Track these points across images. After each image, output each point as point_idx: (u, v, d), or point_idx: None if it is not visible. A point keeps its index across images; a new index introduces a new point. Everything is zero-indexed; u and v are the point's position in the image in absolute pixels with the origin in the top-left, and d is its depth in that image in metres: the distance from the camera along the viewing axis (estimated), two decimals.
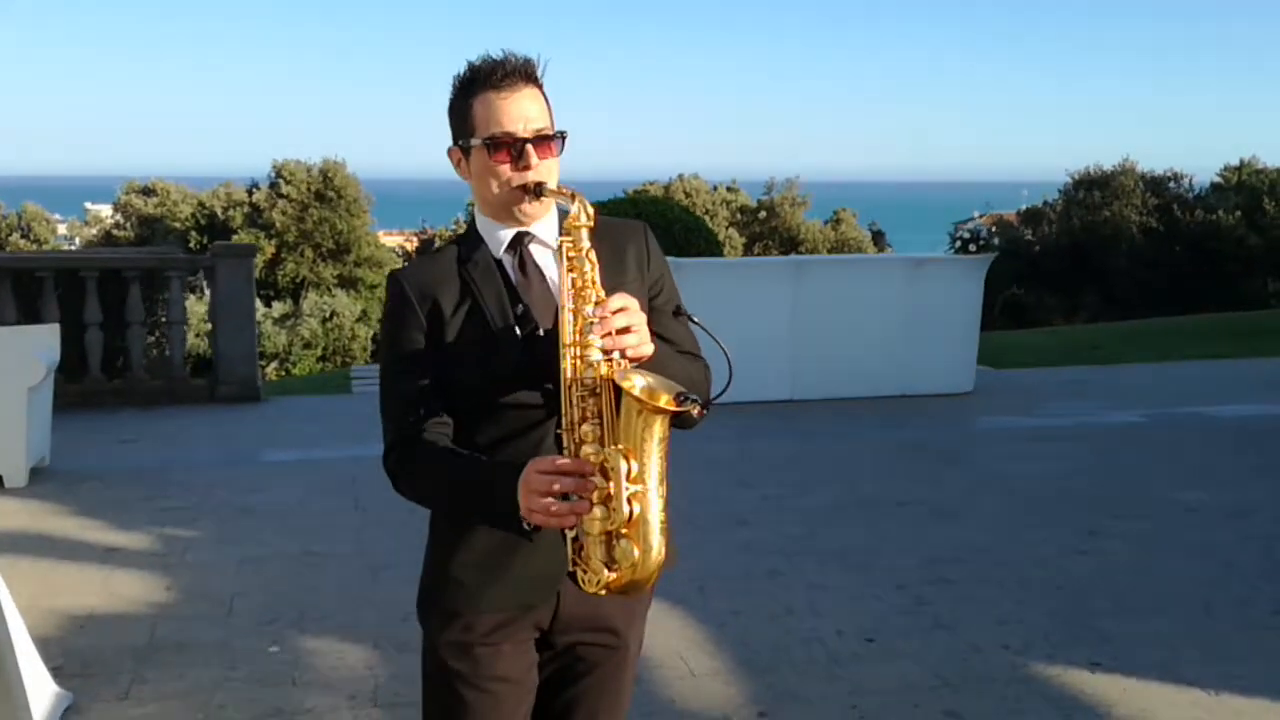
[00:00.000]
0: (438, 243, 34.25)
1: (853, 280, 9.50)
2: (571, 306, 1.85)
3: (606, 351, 1.81)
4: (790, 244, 32.77)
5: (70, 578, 5.07)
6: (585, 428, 1.82)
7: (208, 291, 12.31)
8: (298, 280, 28.64)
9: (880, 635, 4.45)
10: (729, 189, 34.97)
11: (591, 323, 1.81)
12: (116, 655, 4.23)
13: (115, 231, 32.34)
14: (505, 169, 1.94)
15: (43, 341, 6.99)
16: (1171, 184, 28.69)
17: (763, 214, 34.15)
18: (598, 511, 1.78)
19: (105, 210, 37.17)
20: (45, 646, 3.98)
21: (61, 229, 38.19)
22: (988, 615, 4.65)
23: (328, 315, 25.23)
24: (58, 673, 3.91)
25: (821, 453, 7.53)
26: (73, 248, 30.64)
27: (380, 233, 33.87)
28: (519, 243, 2.01)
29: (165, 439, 7.94)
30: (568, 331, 1.84)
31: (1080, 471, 7.05)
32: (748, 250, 31.33)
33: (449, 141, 2.02)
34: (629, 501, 1.77)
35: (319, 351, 24.38)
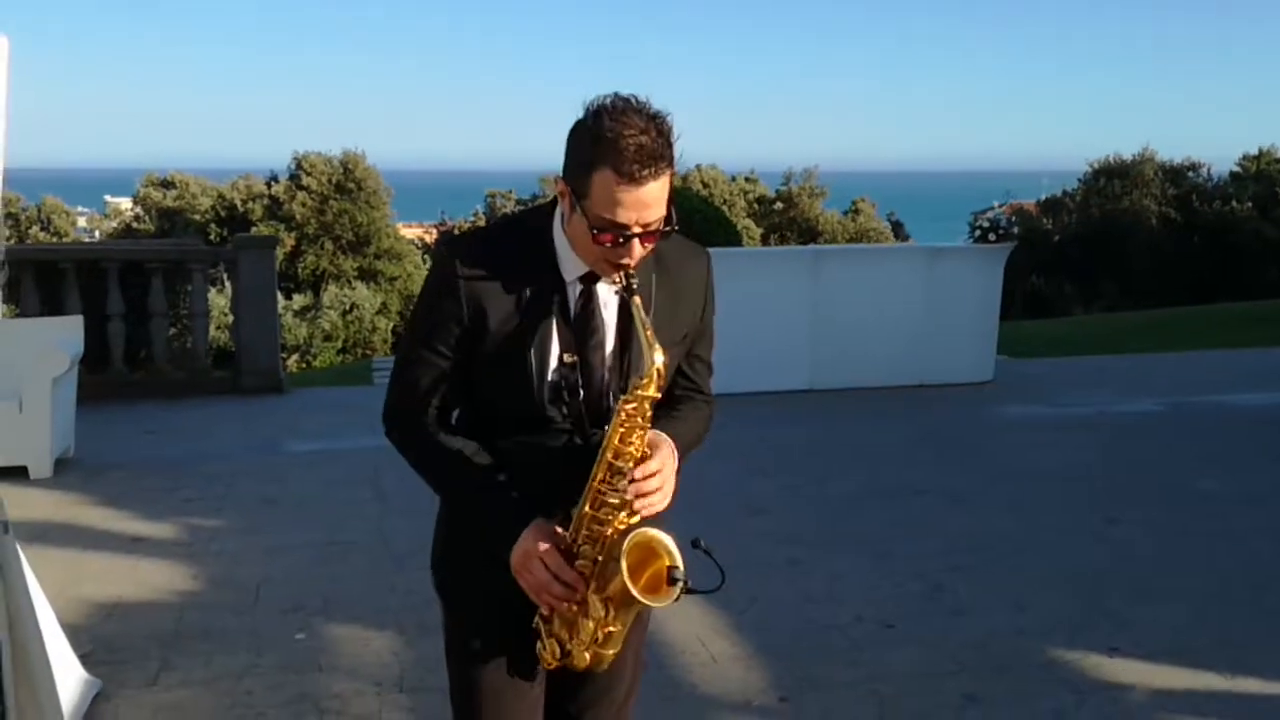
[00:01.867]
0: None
1: (872, 270, 9.50)
2: (610, 459, 1.88)
3: (626, 503, 1.88)
4: (809, 234, 32.73)
5: (97, 566, 5.14)
6: (586, 548, 1.92)
7: (228, 284, 12.39)
8: (318, 273, 28.73)
9: (900, 621, 4.48)
10: (747, 179, 34.92)
11: (622, 473, 1.87)
12: (144, 642, 4.29)
13: (135, 224, 32.49)
14: (605, 249, 1.85)
15: (66, 333, 7.07)
16: (1190, 173, 28.54)
17: (780, 204, 34.09)
18: (572, 611, 1.94)
19: (125, 203, 37.34)
20: (74, 634, 4.03)
21: (81, 221, 38.38)
22: (1006, 601, 4.67)
23: (348, 308, 25.34)
24: (86, 660, 3.96)
25: (840, 442, 7.54)
26: (92, 240, 30.81)
27: (399, 225, 33.92)
28: (590, 278, 1.95)
29: (189, 430, 8.01)
30: (598, 476, 1.89)
31: (1098, 460, 7.05)
32: (765, 241, 31.28)
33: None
34: (598, 630, 1.93)
35: (339, 344, 24.50)
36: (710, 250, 2.16)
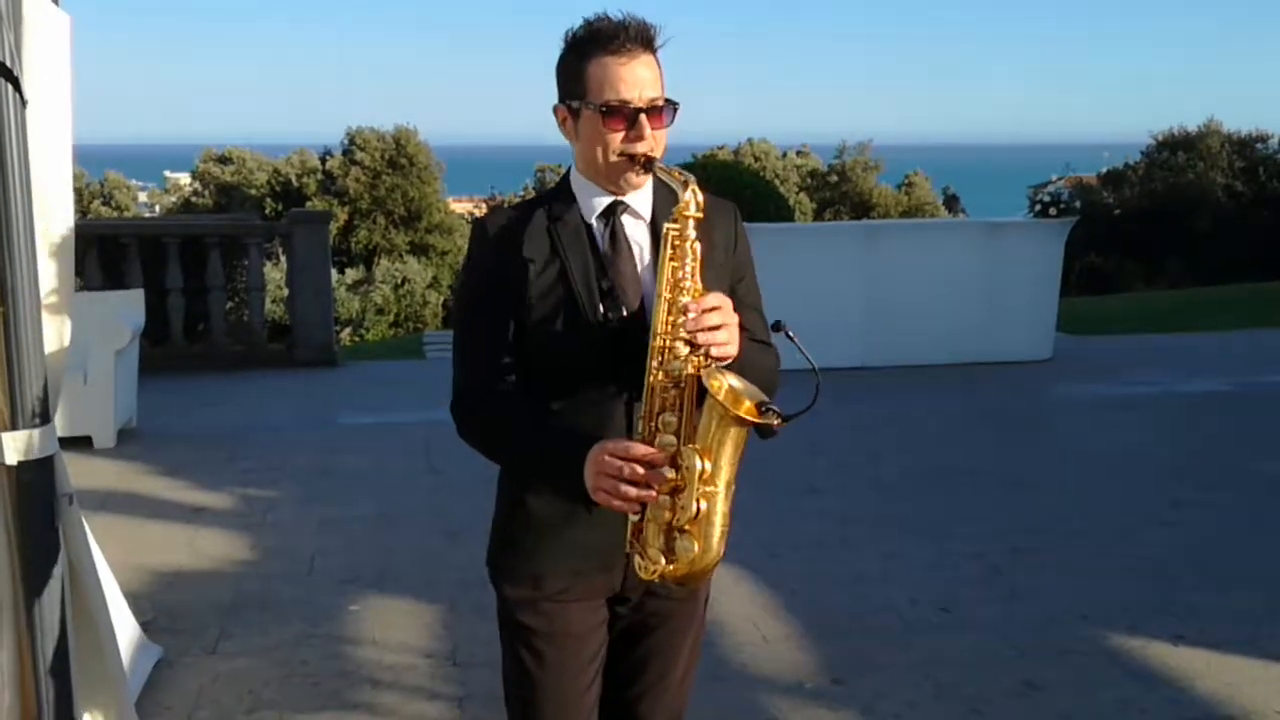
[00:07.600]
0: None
1: (928, 245, 9.38)
2: (668, 296, 1.84)
3: (694, 346, 1.81)
4: (862, 209, 32.37)
5: (158, 536, 5.21)
6: (665, 417, 1.83)
7: (283, 258, 12.50)
8: (370, 247, 28.94)
9: (956, 605, 4.42)
10: (799, 153, 34.61)
11: (685, 315, 1.80)
12: (203, 611, 4.35)
13: (194, 199, 32.88)
14: (617, 137, 1.92)
15: (128, 306, 7.17)
16: (1259, 145, 27.81)
17: (834, 179, 33.77)
18: (664, 501, 1.79)
19: (184, 178, 37.78)
20: (135, 602, 4.09)
21: (142, 197, 38.89)
22: (1066, 586, 4.59)
23: (399, 282, 25.48)
24: (148, 628, 4.03)
25: (895, 420, 7.46)
26: (153, 215, 31.23)
27: (450, 199, 34.06)
28: (612, 211, 1.99)
29: (246, 402, 8.10)
30: (660, 320, 1.84)
31: (1162, 441, 6.92)
32: (818, 216, 31.01)
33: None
34: (698, 500, 1.78)
35: (391, 317, 24.66)
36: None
